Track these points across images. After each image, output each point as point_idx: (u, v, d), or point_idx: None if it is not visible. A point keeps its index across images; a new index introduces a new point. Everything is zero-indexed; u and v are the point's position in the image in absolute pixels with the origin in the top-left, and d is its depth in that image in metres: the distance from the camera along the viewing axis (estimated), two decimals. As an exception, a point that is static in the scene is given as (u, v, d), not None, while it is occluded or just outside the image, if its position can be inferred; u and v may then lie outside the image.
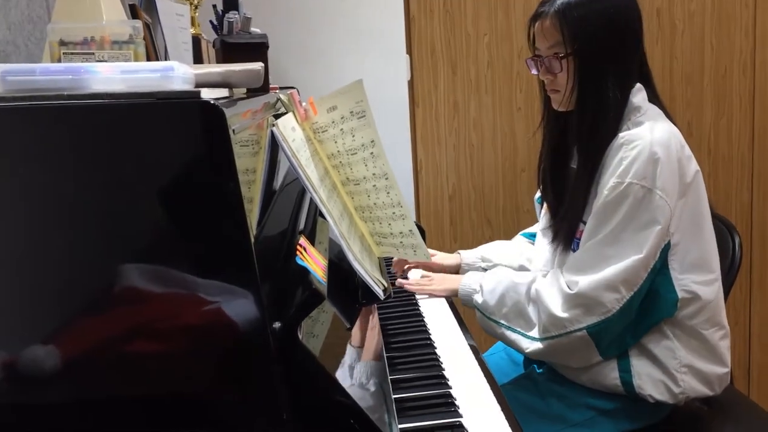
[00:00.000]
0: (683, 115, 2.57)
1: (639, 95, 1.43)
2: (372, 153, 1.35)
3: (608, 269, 1.35)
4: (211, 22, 1.47)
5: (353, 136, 1.37)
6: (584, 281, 1.36)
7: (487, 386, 1.22)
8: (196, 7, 1.86)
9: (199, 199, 0.75)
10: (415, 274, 1.77)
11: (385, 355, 1.27)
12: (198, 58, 1.64)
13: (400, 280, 1.67)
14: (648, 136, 1.36)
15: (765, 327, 2.70)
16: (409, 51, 2.49)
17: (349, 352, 1.06)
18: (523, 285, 1.46)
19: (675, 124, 1.49)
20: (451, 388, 1.20)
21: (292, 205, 1.42)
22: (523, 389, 1.53)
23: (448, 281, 1.65)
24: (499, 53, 2.51)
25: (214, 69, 0.89)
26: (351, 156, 1.39)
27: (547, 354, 1.43)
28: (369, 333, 1.31)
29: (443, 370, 1.26)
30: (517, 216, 2.59)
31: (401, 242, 1.41)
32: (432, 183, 2.57)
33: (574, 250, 1.46)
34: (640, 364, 1.42)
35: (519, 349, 1.47)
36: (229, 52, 1.43)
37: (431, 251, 1.76)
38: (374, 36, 2.40)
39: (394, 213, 1.38)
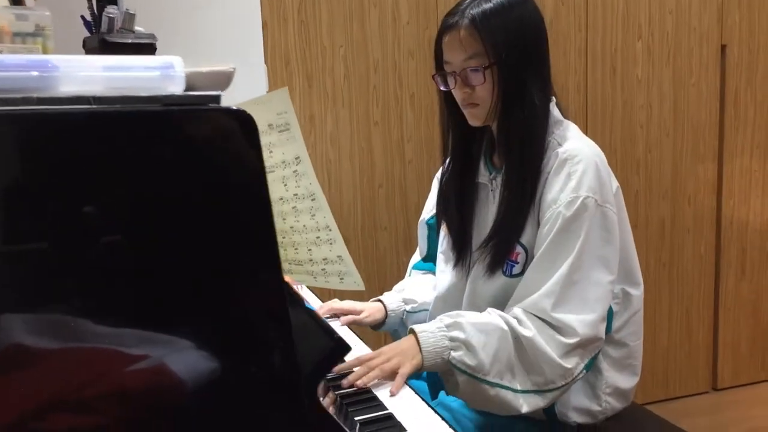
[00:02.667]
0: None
1: (556, 108, 1.43)
2: (295, 171, 1.20)
3: (596, 305, 1.28)
4: (83, 17, 1.23)
5: (271, 152, 1.21)
6: (581, 326, 1.26)
7: (424, 405, 1.13)
8: None
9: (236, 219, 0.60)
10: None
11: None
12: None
13: (348, 380, 1.21)
14: (588, 150, 1.35)
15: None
16: (265, 61, 2.34)
17: None
18: (507, 332, 1.28)
19: None
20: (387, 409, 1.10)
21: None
22: (444, 412, 1.45)
23: (406, 349, 1.27)
24: (356, 66, 2.43)
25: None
26: (268, 174, 1.23)
27: (544, 405, 1.30)
28: None
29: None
30: (375, 234, 2.52)
31: (323, 269, 1.27)
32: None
33: (508, 275, 1.38)
34: (565, 398, 1.39)
35: (511, 410, 1.28)
36: (108, 52, 1.21)
37: (360, 305, 1.59)
38: (234, 47, 2.22)
39: (318, 237, 1.24)
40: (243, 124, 0.59)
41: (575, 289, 1.29)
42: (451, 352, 1.26)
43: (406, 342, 1.29)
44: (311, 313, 1.07)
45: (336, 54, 2.41)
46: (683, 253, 2.95)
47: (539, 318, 1.29)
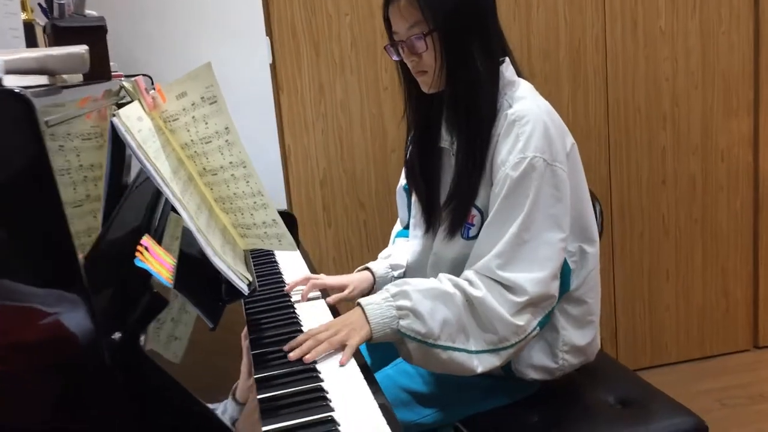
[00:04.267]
0: (542, 91, 2.62)
1: (509, 69, 1.44)
2: (227, 141, 1.27)
3: (547, 264, 1.30)
4: (39, 5, 1.33)
5: (206, 123, 1.28)
6: (530, 284, 1.28)
7: (361, 376, 1.18)
8: (28, -10, 1.69)
9: (9, 200, 0.66)
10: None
11: (251, 352, 1.20)
12: (33, 47, 1.49)
13: (294, 353, 1.21)
14: (536, 110, 1.36)
15: (627, 292, 2.84)
16: (270, 33, 2.40)
17: (230, 407, 0.88)
18: (456, 295, 1.30)
19: None
20: (323, 381, 1.15)
21: (147, 201, 1.33)
22: (402, 374, 1.50)
23: (354, 321, 1.28)
24: (362, 32, 2.47)
25: (28, 54, 0.79)
26: (205, 145, 1.30)
27: (500, 363, 1.32)
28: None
29: (315, 363, 1.21)
30: (389, 198, 2.57)
31: (265, 233, 1.35)
32: (302, 169, 2.51)
33: (465, 237, 1.41)
34: (521, 356, 1.42)
35: (466, 371, 1.30)
36: (61, 37, 1.30)
37: (344, 279, 1.61)
38: (231, 19, 2.30)
39: (255, 202, 1.31)
40: (21, 106, 0.63)
41: (525, 249, 1.31)
42: (399, 320, 1.29)
43: (353, 314, 1.30)
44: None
45: (342, 22, 2.45)
46: (717, 210, 2.85)
47: (489, 278, 1.31)
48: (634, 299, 2.85)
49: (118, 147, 1.13)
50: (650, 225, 2.81)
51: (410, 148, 1.59)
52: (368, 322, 1.28)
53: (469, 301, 1.30)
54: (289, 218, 2.17)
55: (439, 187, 1.53)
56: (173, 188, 1.18)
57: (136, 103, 1.30)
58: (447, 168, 1.51)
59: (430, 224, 1.54)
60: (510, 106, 1.38)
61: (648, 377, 1.60)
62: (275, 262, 1.86)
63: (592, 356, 1.49)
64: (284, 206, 2.31)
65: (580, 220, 1.44)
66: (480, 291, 1.30)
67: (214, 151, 1.29)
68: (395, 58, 1.46)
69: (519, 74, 1.48)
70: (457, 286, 1.32)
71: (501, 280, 1.31)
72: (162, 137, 1.32)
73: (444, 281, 1.34)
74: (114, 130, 1.09)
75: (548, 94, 2.62)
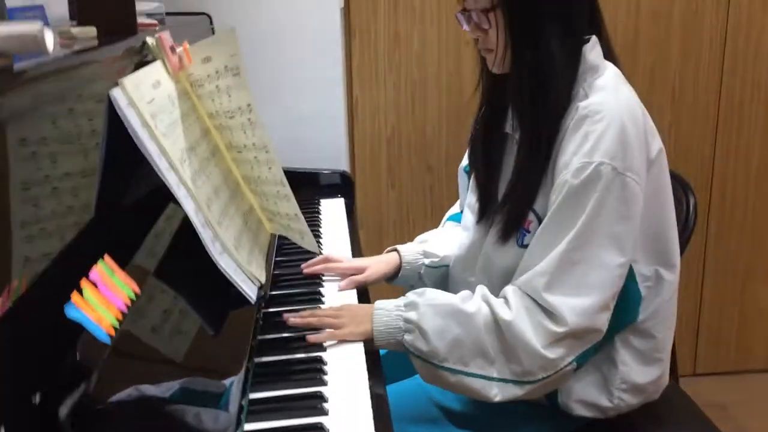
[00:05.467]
0: (646, 57, 2.33)
1: (595, 50, 1.20)
2: (250, 119, 1.11)
3: (597, 291, 1.10)
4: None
5: (230, 96, 1.12)
6: (571, 313, 1.09)
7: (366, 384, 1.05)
8: None
9: None
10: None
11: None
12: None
13: (292, 320, 1.18)
14: (615, 105, 1.13)
15: (717, 290, 2.56)
16: (345, -27, 2.19)
17: None
18: (478, 315, 1.14)
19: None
20: (326, 384, 1.03)
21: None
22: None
23: (361, 317, 1.20)
24: (448, -19, 2.22)
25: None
26: (229, 119, 1.14)
27: (522, 396, 1.16)
28: None
29: (324, 365, 1.08)
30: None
31: (289, 224, 1.19)
32: (369, 124, 2.32)
33: (519, 244, 1.22)
34: (573, 381, 1.22)
35: (481, 398, 1.16)
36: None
37: (365, 261, 1.46)
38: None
39: (278, 191, 1.15)
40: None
41: (575, 270, 1.11)
42: (405, 334, 1.16)
43: (364, 309, 1.21)
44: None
45: (426, -34, 2.20)
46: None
47: (530, 298, 1.13)
48: (724, 299, 2.56)
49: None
50: (754, 219, 2.50)
51: (475, 128, 1.39)
52: (372, 327, 1.17)
53: (497, 323, 1.13)
54: (345, 180, 2.03)
55: (499, 176, 1.33)
56: (183, 172, 1.02)
57: (157, 64, 1.15)
58: (510, 156, 1.31)
59: (484, 214, 1.35)
60: (586, 96, 1.16)
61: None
62: (320, 235, 1.72)
63: (655, 395, 1.28)
64: (343, 164, 2.14)
65: (659, 241, 1.22)
66: (510, 314, 1.12)
67: (237, 128, 1.13)
68: (465, 27, 1.25)
69: (609, 55, 1.24)
70: (487, 303, 1.15)
71: (542, 302, 1.12)
72: (188, 103, 1.17)
73: (469, 300, 1.17)
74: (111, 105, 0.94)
75: (653, 61, 2.32)
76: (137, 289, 0.71)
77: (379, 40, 2.25)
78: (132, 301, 0.68)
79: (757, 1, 2.30)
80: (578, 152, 1.12)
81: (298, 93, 2.07)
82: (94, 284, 0.63)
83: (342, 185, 2.03)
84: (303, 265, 1.42)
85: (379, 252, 2.35)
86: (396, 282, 1.49)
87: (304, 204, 1.88)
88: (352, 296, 1.36)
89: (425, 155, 2.36)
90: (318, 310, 1.21)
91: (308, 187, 2.00)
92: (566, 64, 1.17)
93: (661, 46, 2.33)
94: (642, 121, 1.17)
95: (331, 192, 2.01)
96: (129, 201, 0.94)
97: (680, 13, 2.30)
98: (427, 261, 1.47)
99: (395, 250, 1.48)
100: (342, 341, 1.16)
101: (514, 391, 1.14)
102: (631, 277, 1.19)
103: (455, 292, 1.42)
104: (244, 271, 1.07)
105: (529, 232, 1.22)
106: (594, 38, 1.22)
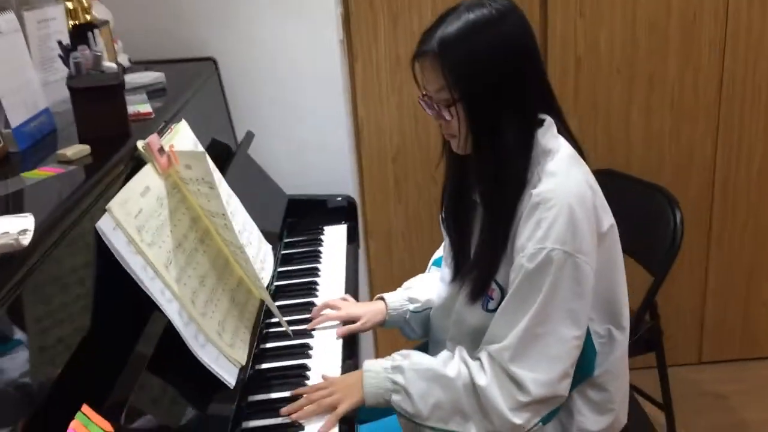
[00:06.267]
0: (645, 66, 2.37)
1: (548, 133, 1.29)
2: (225, 225, 1.25)
3: (557, 364, 1.22)
4: (60, 56, 1.32)
5: (208, 200, 1.26)
6: (534, 386, 1.21)
7: None
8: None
9: None
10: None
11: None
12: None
13: (284, 410, 1.29)
14: (564, 191, 1.23)
15: (721, 284, 2.63)
16: (346, 4, 2.28)
17: None
18: (457, 379, 1.27)
19: (584, 156, 1.36)
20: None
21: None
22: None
23: (352, 386, 1.31)
24: (445, 3, 2.28)
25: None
26: (212, 218, 1.29)
27: None
28: None
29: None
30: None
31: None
32: (375, 144, 2.44)
33: (485, 309, 1.34)
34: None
35: None
36: (78, 98, 1.30)
37: (359, 310, 1.61)
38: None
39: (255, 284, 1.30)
40: None
41: (537, 344, 1.23)
42: (393, 394, 1.30)
43: (352, 377, 1.33)
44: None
45: (422, -9, 2.27)
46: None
47: (500, 367, 1.26)
48: (729, 293, 2.64)
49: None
50: (756, 216, 2.55)
51: (443, 196, 1.51)
52: (363, 389, 1.30)
53: (474, 387, 1.26)
54: (350, 205, 2.16)
55: (471, 240, 1.45)
56: (167, 275, 1.18)
57: (147, 168, 1.29)
58: (479, 222, 1.42)
59: (457, 274, 1.47)
60: (539, 181, 1.26)
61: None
62: (318, 266, 1.87)
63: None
64: (350, 188, 2.27)
65: (611, 304, 1.33)
66: (485, 379, 1.26)
67: (218, 227, 1.28)
68: (429, 112, 1.35)
69: (565, 131, 1.33)
70: (466, 366, 1.28)
71: (509, 373, 1.25)
72: (177, 195, 1.32)
73: (450, 362, 1.30)
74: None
75: (652, 70, 2.36)
76: (110, 429, 0.87)
77: (380, 64, 2.35)
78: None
79: (755, 7, 2.31)
80: (532, 238, 1.23)
81: (303, 124, 2.20)
82: (73, 438, 0.79)
83: (347, 209, 2.17)
84: (309, 326, 1.58)
85: (387, 262, 2.51)
86: (385, 326, 1.64)
87: (308, 233, 2.04)
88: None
89: (430, 169, 2.47)
90: (311, 393, 1.31)
91: (313, 214, 2.15)
92: (520, 150, 1.26)
93: (658, 54, 2.36)
94: (591, 202, 1.26)
95: (336, 218, 2.15)
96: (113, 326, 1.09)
97: (677, 23, 2.32)
98: (411, 307, 1.61)
99: (382, 298, 1.62)
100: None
101: None
102: (587, 334, 1.31)
103: (435, 336, 1.57)
104: (227, 356, 1.23)
105: (492, 299, 1.34)
106: (548, 120, 1.30)
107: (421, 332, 1.62)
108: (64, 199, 1.06)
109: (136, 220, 1.18)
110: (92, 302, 1.06)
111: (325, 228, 2.10)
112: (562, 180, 1.25)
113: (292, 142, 2.22)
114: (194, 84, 1.87)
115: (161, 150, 1.33)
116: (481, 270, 1.34)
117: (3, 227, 0.84)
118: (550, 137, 1.29)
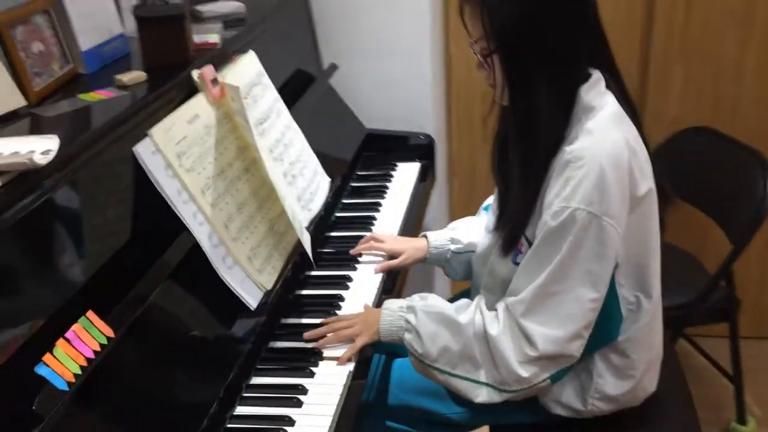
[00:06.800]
0: (697, 44, 2.17)
1: (593, 90, 1.24)
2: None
3: (568, 323, 1.22)
4: (130, -9, 1.41)
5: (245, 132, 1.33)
6: (543, 341, 1.22)
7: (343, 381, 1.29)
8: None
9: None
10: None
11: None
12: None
13: (306, 335, 1.39)
14: (597, 151, 1.19)
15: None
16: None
17: None
18: (469, 326, 1.29)
19: (637, 115, 1.31)
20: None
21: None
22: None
23: (372, 322, 1.37)
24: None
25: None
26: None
27: (500, 401, 1.31)
28: None
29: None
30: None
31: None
32: (464, 82, 2.41)
33: (514, 262, 1.35)
34: (552, 386, 1.35)
35: (466, 397, 1.32)
36: (143, 26, 1.39)
37: (402, 245, 1.65)
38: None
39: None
40: None
41: (551, 301, 1.23)
42: (405, 333, 1.34)
43: (374, 314, 1.39)
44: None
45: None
46: None
47: (514, 319, 1.27)
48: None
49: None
50: None
51: (494, 135, 1.49)
52: (379, 325, 1.37)
53: (485, 334, 1.29)
54: (428, 143, 2.18)
55: (506, 199, 1.44)
56: (203, 199, 1.27)
57: (199, 97, 1.38)
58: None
59: (498, 224, 1.48)
60: (576, 138, 1.22)
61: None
62: (380, 205, 1.91)
63: (626, 405, 1.39)
64: (431, 123, 2.27)
65: (641, 272, 1.29)
66: (497, 329, 1.27)
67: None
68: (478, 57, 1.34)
69: (615, 87, 1.28)
70: (480, 315, 1.31)
71: (521, 326, 1.26)
72: (228, 125, 1.40)
73: (464, 310, 1.33)
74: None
75: (703, 45, 2.16)
76: (111, 334, 0.98)
77: None
78: (103, 346, 0.95)
79: None
80: (559, 195, 1.21)
81: (391, 58, 2.21)
82: (68, 340, 0.90)
83: (425, 147, 2.19)
84: (352, 251, 1.66)
85: (468, 201, 2.50)
86: (426, 263, 1.67)
87: (380, 168, 2.09)
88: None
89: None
90: (334, 323, 1.40)
91: (391, 150, 2.18)
92: (558, 107, 1.23)
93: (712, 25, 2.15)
94: (627, 164, 1.20)
95: (413, 155, 2.17)
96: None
97: None
98: (453, 247, 1.63)
99: (425, 236, 1.66)
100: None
101: (493, 396, 1.30)
102: (614, 298, 1.29)
103: (475, 282, 1.59)
104: (253, 281, 1.32)
105: (521, 253, 1.34)
106: (596, 75, 1.25)
107: (462, 274, 1.64)
108: (105, 123, 1.16)
109: (178, 146, 1.26)
110: (122, 222, 1.17)
111: (399, 164, 2.13)
112: (598, 139, 1.21)
113: (380, 76, 2.24)
114: (276, 15, 1.92)
115: (215, 81, 1.40)
116: (512, 224, 1.34)
117: (22, 147, 0.94)
118: (595, 94, 1.24)
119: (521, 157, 1.29)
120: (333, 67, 2.13)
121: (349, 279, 1.58)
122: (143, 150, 1.19)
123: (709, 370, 2.23)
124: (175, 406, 1.09)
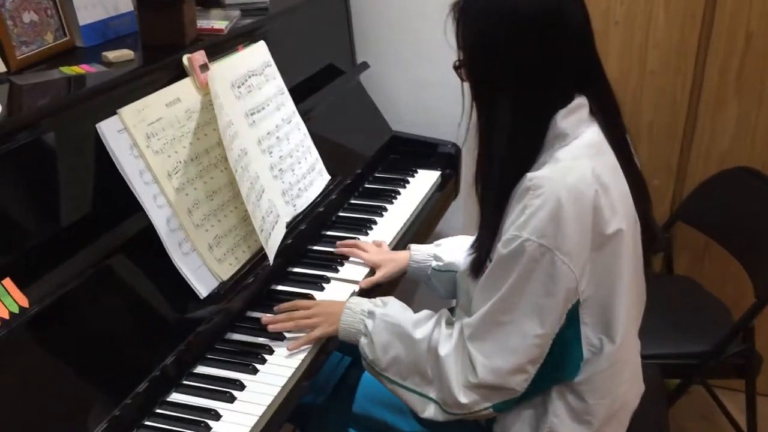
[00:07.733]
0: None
1: (573, 116, 1.16)
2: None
3: (510, 356, 1.17)
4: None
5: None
6: (483, 369, 1.18)
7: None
8: None
9: None
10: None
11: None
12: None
13: (264, 319, 1.38)
14: (558, 182, 1.12)
15: None
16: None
17: None
18: (423, 341, 1.26)
19: (627, 146, 1.23)
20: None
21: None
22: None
23: (333, 316, 1.35)
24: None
25: None
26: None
27: (443, 421, 1.28)
28: None
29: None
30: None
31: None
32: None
33: None
34: (510, 415, 1.29)
35: (412, 409, 1.29)
36: (142, 7, 1.41)
37: (382, 258, 1.61)
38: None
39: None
40: None
41: (497, 331, 1.18)
42: (361, 337, 1.32)
43: (337, 307, 1.36)
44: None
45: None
46: None
47: (464, 341, 1.23)
48: None
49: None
50: None
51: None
52: (339, 323, 1.34)
53: (437, 352, 1.24)
54: (455, 152, 2.12)
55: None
56: (167, 183, 1.27)
57: (186, 81, 1.38)
58: None
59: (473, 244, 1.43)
60: (542, 166, 1.16)
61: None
62: (385, 210, 1.87)
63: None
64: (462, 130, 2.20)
65: (607, 314, 1.21)
66: (446, 349, 1.23)
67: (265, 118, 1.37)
68: None
69: (601, 115, 1.20)
70: (438, 331, 1.26)
71: (467, 350, 1.22)
72: (213, 112, 1.39)
73: (422, 325, 1.28)
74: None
75: (762, 83, 1.99)
76: (26, 304, 0.99)
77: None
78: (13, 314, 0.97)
79: None
80: (514, 223, 1.15)
81: (426, 62, 2.17)
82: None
83: (449, 157, 2.13)
84: (335, 249, 1.64)
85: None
86: (407, 277, 1.63)
87: (398, 173, 2.04)
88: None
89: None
90: (294, 311, 1.39)
91: (416, 156, 2.13)
92: (522, 131, 1.17)
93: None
94: (590, 200, 1.12)
95: (435, 163, 2.12)
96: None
97: None
98: (433, 264, 1.58)
99: (408, 248, 1.62)
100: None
101: (437, 414, 1.26)
102: (576, 336, 1.22)
103: (460, 298, 1.54)
104: (210, 270, 1.31)
105: None
106: (578, 100, 1.17)
107: (444, 292, 1.59)
108: (67, 96, 1.17)
109: (150, 127, 1.27)
110: (74, 198, 1.18)
111: (420, 171, 2.08)
112: (563, 169, 1.14)
113: (414, 79, 2.20)
114: (307, 8, 1.91)
115: (204, 66, 1.40)
116: (478, 248, 1.29)
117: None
118: (573, 121, 1.17)
119: (483, 178, 1.25)
120: (364, 65, 2.11)
121: (327, 280, 1.55)
122: (107, 127, 1.20)
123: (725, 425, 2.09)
124: (93, 383, 1.09)
